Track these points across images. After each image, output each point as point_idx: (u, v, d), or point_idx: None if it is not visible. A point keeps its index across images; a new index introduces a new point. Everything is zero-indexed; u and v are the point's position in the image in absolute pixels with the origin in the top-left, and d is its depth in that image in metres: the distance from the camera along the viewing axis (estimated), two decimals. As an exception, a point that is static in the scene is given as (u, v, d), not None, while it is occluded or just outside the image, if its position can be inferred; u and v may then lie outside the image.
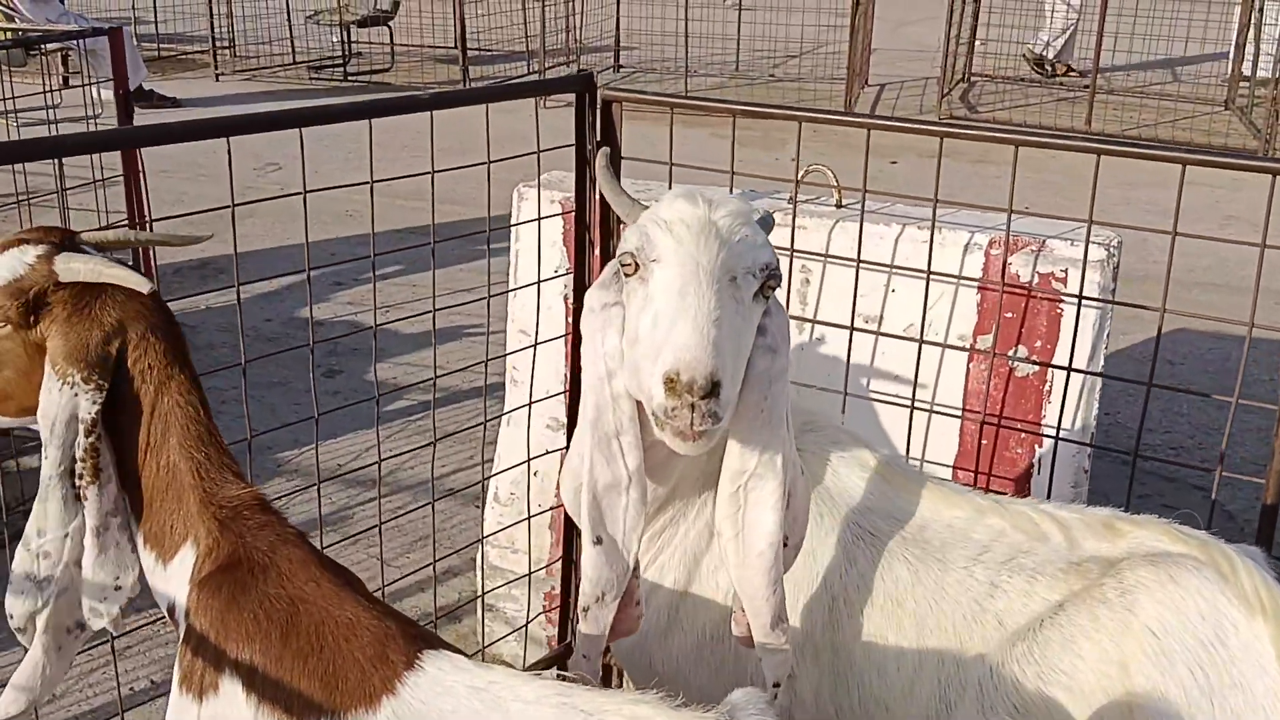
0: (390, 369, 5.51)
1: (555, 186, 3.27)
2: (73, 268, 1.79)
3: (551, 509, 3.35)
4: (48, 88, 5.44)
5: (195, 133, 2.33)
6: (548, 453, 3.20)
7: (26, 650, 1.87)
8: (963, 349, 2.90)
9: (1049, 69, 12.18)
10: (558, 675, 1.80)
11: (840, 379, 2.84)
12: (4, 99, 5.18)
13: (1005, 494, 2.54)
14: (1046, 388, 2.88)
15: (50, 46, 7.44)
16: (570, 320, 3.18)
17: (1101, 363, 2.87)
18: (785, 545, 1.92)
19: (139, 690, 3.47)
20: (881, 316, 2.98)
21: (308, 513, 3.58)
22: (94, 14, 13.21)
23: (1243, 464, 4.65)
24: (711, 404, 1.68)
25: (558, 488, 3.04)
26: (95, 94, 5.48)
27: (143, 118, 5.65)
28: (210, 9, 12.73)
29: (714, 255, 1.79)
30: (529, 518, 3.22)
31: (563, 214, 3.19)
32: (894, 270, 2.91)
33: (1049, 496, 2.80)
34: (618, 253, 1.90)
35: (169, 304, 1.90)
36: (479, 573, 3.60)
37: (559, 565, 3.25)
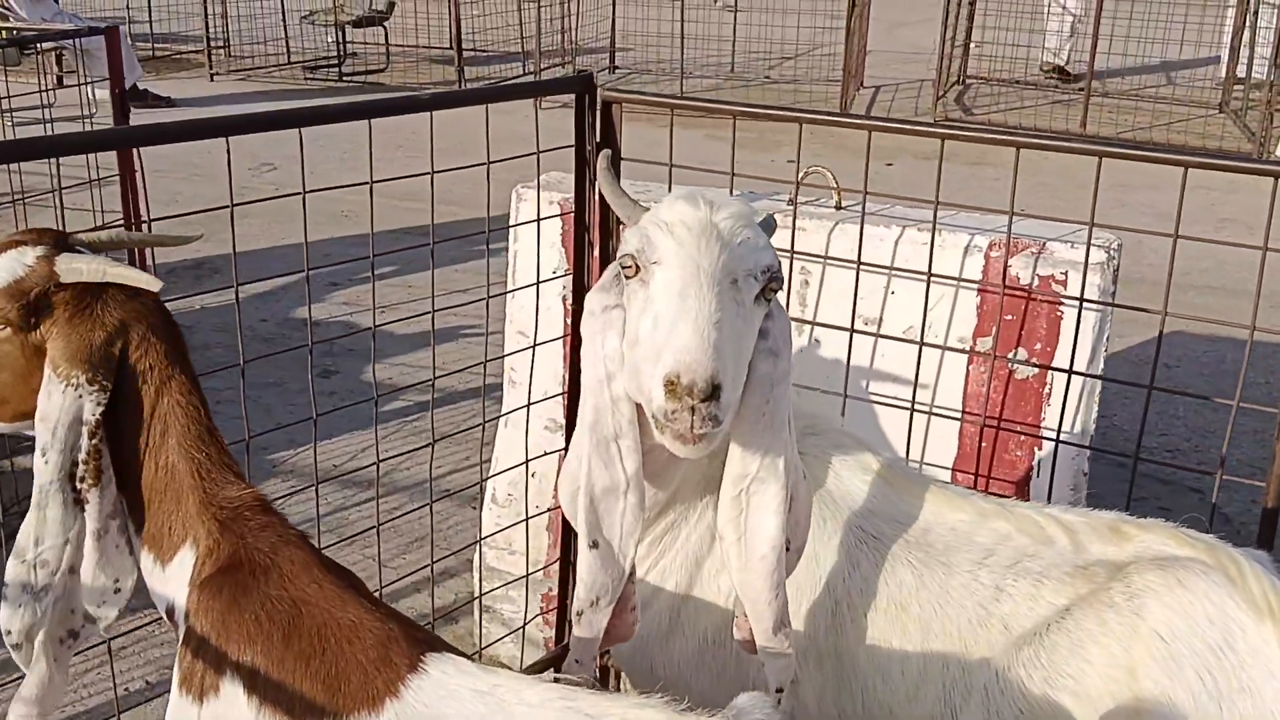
0: (386, 369, 5.50)
1: (554, 187, 3.26)
2: (75, 268, 1.77)
3: (549, 511, 3.34)
4: (43, 87, 5.42)
5: (194, 132, 2.32)
6: (546, 454, 3.20)
7: (19, 668, 1.84)
8: (962, 351, 2.90)
9: (1070, 75, 12.20)
10: (554, 678, 1.79)
11: (839, 381, 2.84)
12: (-1, 98, 5.17)
13: (1007, 497, 2.54)
14: (1046, 390, 2.88)
15: (44, 46, 7.41)
16: (568, 321, 3.18)
17: (1101, 365, 2.87)
18: (787, 549, 1.92)
19: (134, 691, 3.45)
20: (881, 318, 2.98)
21: (304, 513, 3.57)
22: (88, 13, 13.19)
23: (1238, 466, 4.66)
24: (712, 407, 1.67)
25: (555, 489, 3.03)
26: (90, 93, 5.46)
27: (139, 117, 5.63)
28: (205, 9, 12.71)
29: (715, 257, 1.78)
30: (527, 519, 3.22)
31: (561, 215, 3.19)
32: (894, 272, 2.91)
33: (1049, 499, 2.80)
34: (618, 255, 1.89)
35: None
36: (476, 574, 3.59)
37: (556, 567, 3.24)
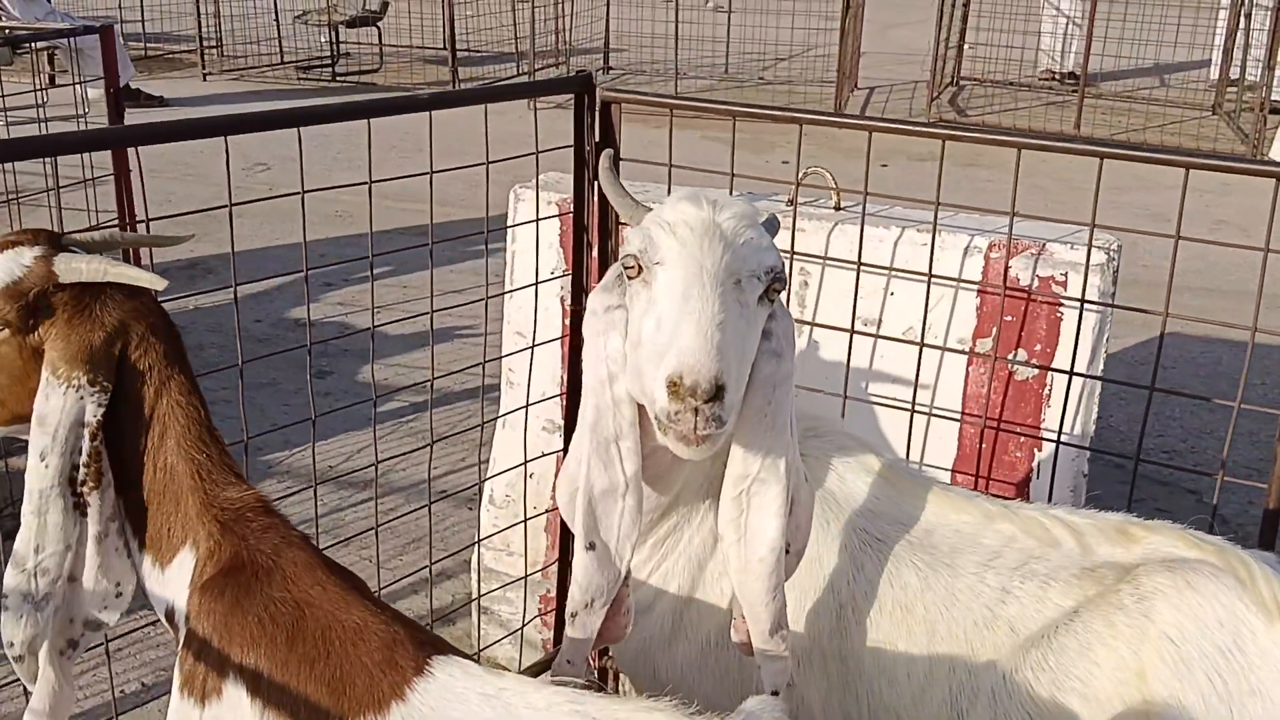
0: (382, 370, 5.49)
1: (552, 188, 3.25)
2: (75, 267, 1.76)
3: (547, 512, 3.33)
4: (36, 86, 5.40)
5: (191, 132, 2.31)
6: (544, 455, 3.19)
7: (21, 683, 1.82)
8: (962, 352, 2.90)
9: (1074, 76, 12.21)
10: (552, 679, 1.78)
11: (839, 382, 2.83)
12: (-8, 97, 5.14)
13: (1007, 498, 2.53)
14: (1046, 391, 2.88)
15: (37, 45, 7.38)
16: (566, 322, 3.17)
17: (1101, 366, 2.87)
18: (787, 552, 1.91)
19: (131, 693, 3.44)
20: (881, 319, 2.97)
21: (301, 514, 3.55)
22: (80, 13, 13.14)
23: (1234, 467, 4.64)
24: (715, 408, 1.66)
25: (553, 490, 3.02)
26: (83, 93, 5.44)
27: (133, 117, 5.61)
28: (197, 8, 12.68)
29: (718, 258, 1.77)
30: (525, 520, 3.21)
31: (559, 215, 3.18)
32: (893, 273, 2.90)
33: (1049, 501, 2.80)
34: (621, 255, 1.88)
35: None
36: (474, 575, 3.58)
37: (554, 568, 3.23)
